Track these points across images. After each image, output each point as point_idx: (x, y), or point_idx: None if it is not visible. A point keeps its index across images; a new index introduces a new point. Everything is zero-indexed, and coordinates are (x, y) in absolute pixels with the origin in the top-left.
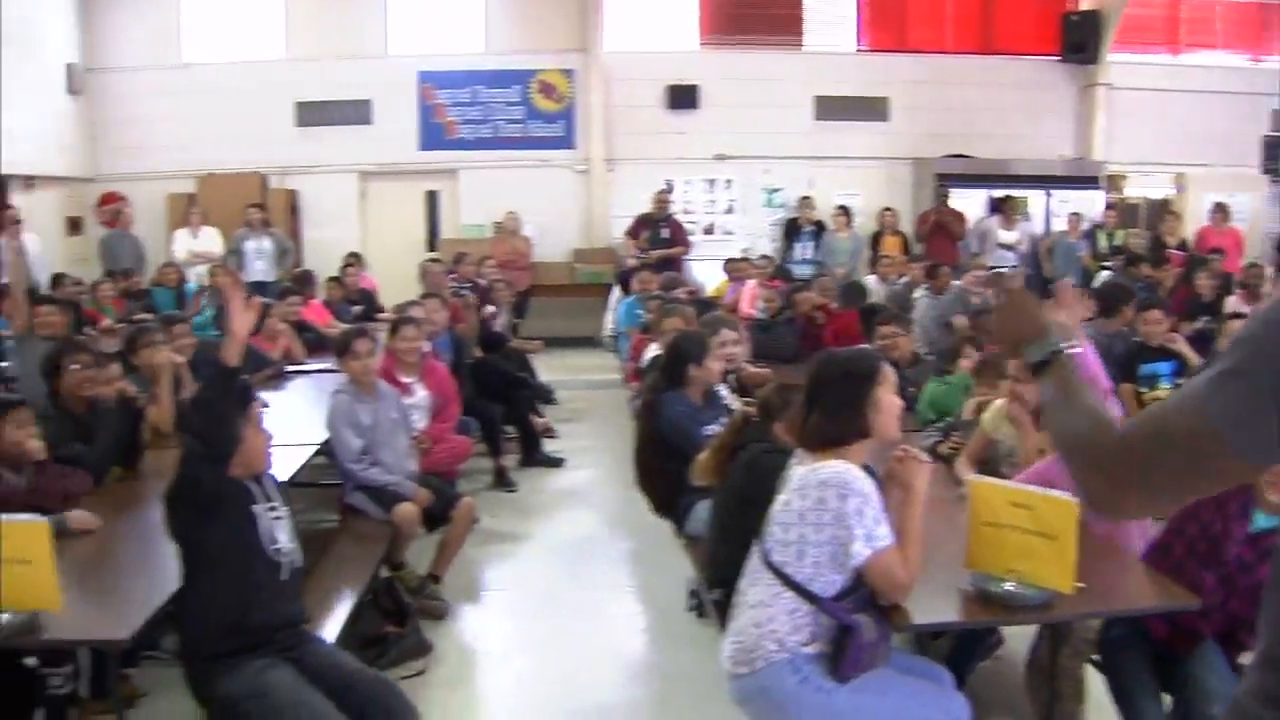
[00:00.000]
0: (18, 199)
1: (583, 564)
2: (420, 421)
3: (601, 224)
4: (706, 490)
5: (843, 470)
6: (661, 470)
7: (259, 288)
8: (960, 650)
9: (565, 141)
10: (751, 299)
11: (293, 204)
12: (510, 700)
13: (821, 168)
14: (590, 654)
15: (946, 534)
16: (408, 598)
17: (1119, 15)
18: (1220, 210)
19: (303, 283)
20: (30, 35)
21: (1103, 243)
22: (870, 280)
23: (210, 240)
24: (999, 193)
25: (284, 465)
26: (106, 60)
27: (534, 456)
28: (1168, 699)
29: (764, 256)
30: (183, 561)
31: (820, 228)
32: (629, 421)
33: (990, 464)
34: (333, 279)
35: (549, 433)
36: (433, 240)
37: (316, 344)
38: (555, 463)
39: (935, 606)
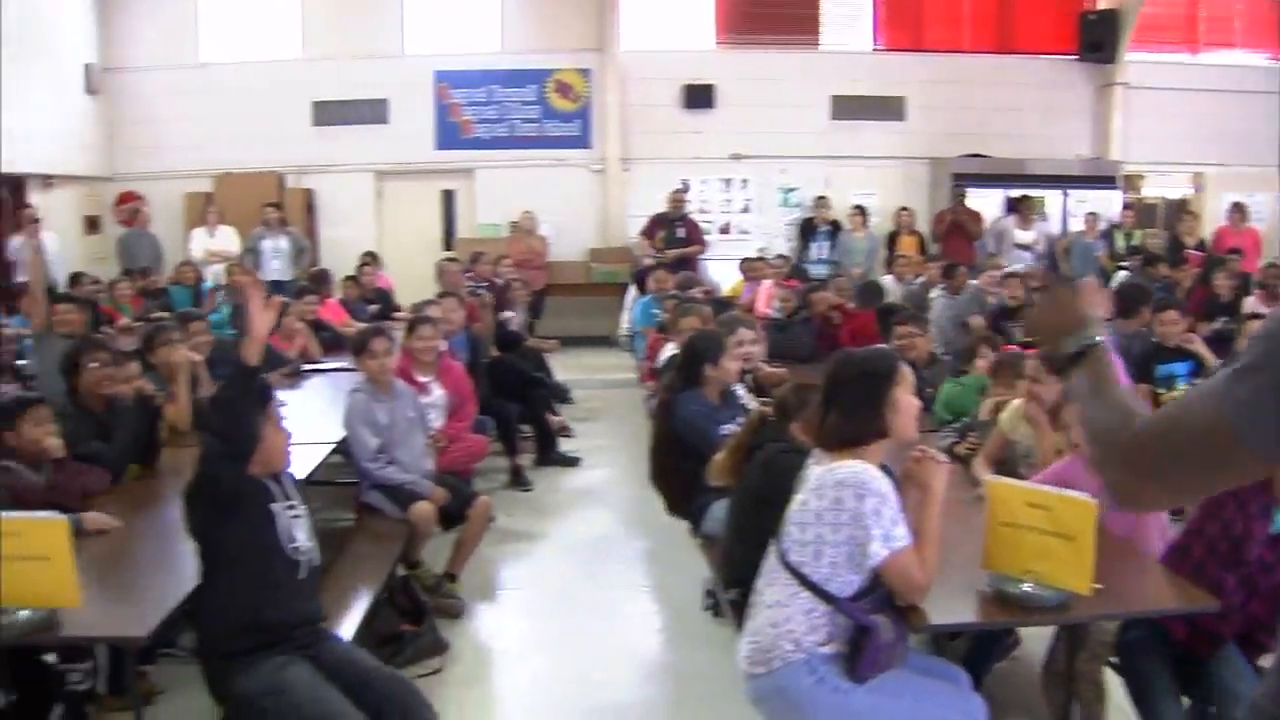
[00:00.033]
0: (36, 198)
1: (598, 563)
2: (437, 420)
3: (617, 223)
4: (723, 490)
5: (860, 470)
6: (677, 469)
7: (276, 287)
8: (977, 651)
9: (581, 141)
10: (768, 299)
11: (309, 203)
12: (526, 699)
13: (838, 167)
14: (606, 653)
15: (963, 534)
16: (424, 596)
17: (1137, 14)
18: (1238, 210)
19: (319, 282)
20: (48, 35)
21: (1120, 243)
22: (887, 280)
23: (227, 239)
24: (1016, 192)
25: (301, 464)
26: (124, 60)
27: (550, 456)
28: (1185, 701)
29: (780, 256)
30: (201, 559)
31: (836, 227)
32: (645, 421)
33: (1007, 464)
34: (349, 278)
35: (565, 432)
36: (449, 239)
37: (333, 343)
38: (571, 462)
39: (952, 607)
